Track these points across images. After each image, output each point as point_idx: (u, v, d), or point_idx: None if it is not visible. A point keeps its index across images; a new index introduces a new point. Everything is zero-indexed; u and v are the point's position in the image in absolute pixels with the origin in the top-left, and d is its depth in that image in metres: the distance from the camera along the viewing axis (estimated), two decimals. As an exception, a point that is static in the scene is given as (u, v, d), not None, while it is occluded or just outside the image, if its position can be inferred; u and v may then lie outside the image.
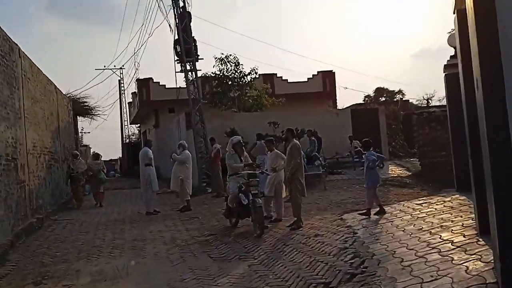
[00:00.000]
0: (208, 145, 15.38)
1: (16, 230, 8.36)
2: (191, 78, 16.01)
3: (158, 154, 22.48)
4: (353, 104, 28.24)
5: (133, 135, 45.78)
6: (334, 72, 27.74)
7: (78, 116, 25.87)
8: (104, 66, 37.76)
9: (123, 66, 39.97)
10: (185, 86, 16.20)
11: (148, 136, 31.70)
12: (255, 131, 15.21)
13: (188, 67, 16.02)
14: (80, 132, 60.17)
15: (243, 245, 7.16)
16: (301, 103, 23.85)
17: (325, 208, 10.19)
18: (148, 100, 25.96)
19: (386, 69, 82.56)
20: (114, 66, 38.25)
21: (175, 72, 16.14)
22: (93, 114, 26.06)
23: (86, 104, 24.22)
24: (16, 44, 9.63)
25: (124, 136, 41.71)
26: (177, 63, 16.15)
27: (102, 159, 14.59)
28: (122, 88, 40.38)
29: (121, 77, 40.36)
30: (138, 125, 38.85)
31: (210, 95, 19.87)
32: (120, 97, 40.60)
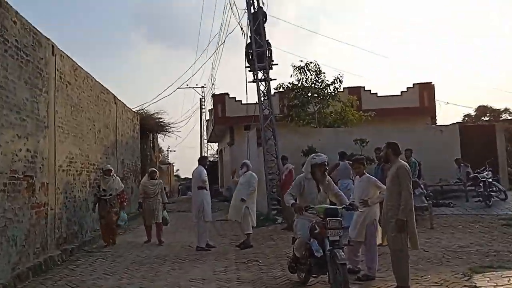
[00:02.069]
0: (280, 165, 12.86)
1: (19, 270, 6.47)
2: (262, 88, 13.72)
3: (229, 175, 20.56)
4: (454, 123, 24.10)
5: (211, 155, 45.04)
6: (433, 85, 23.90)
7: (152, 133, 25.10)
8: (187, 85, 37.46)
9: (204, 84, 39.62)
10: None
11: (224, 155, 30.19)
12: (338, 150, 12.46)
13: (260, 76, 13.80)
14: (167, 150, 61.54)
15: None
16: (393, 119, 20.47)
17: (439, 259, 7.11)
18: (223, 117, 24.24)
19: (492, 84, 74.38)
20: (196, 84, 37.93)
21: (246, 82, 14.00)
22: (167, 131, 25.14)
23: (160, 120, 23.26)
24: (48, 39, 8.03)
25: (203, 155, 40.99)
26: (249, 71, 14.00)
27: (158, 177, 10.28)
28: (203, 106, 40.08)
29: (203, 95, 40.02)
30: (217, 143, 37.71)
31: (286, 108, 17.42)
32: (200, 115, 40.20)
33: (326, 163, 5.82)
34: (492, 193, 12.40)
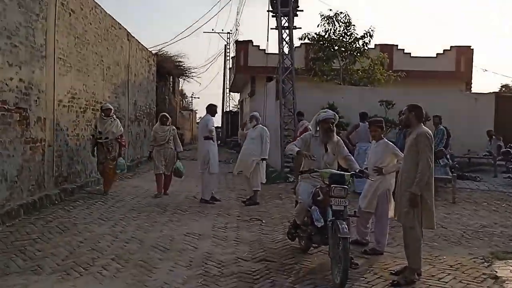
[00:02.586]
0: (296, 121, 12.14)
1: (9, 206, 6.13)
2: (285, 36, 12.74)
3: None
4: (490, 92, 22.54)
5: (235, 105, 44.26)
6: (472, 49, 22.25)
7: (172, 76, 24.45)
8: (212, 30, 36.26)
9: (230, 30, 38.20)
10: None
11: (244, 106, 29.45)
12: (361, 109, 11.62)
13: (284, 23, 12.78)
14: (191, 96, 61.04)
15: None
16: (426, 82, 19.21)
17: (458, 239, 6.45)
18: (245, 65, 23.30)
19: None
20: (222, 30, 36.61)
21: (268, 28, 13.02)
22: (187, 76, 24.48)
23: (180, 63, 22.55)
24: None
25: (225, 104, 40.31)
26: (272, 16, 12.98)
27: (170, 123, 9.18)
28: (228, 54, 38.89)
29: (228, 42, 38.77)
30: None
31: (310, 61, 16.36)
32: (224, 63, 39.12)
33: (333, 119, 5.10)
34: (523, 171, 11.49)
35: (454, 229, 6.96)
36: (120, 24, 11.61)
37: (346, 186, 4.51)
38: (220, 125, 38.29)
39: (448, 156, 11.26)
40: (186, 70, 23.17)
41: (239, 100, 36.20)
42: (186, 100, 73.70)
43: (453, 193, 9.26)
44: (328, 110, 5.29)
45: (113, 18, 11.03)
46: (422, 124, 4.78)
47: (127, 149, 12.54)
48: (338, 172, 4.75)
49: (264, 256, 5.28)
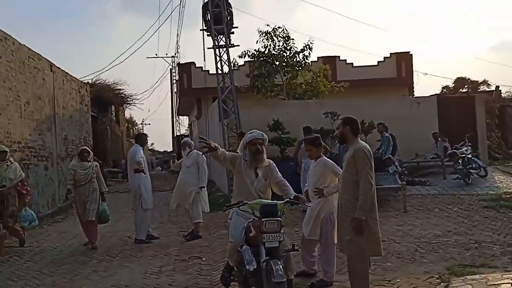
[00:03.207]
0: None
1: None
2: (220, 56, 12.24)
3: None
4: (432, 95, 23.05)
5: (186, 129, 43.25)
6: (411, 54, 22.71)
7: (114, 105, 23.40)
8: (156, 55, 35.41)
9: (175, 54, 37.49)
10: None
11: (193, 129, 28.66)
12: (307, 123, 11.22)
13: (219, 41, 12.29)
14: (141, 123, 59.31)
15: None
16: (369, 90, 19.24)
17: (412, 254, 6.02)
18: (189, 88, 22.58)
19: (463, 61, 74.00)
20: (166, 54, 35.81)
21: (204, 48, 12.49)
22: (129, 103, 23.49)
23: (119, 91, 21.58)
24: None
25: (174, 129, 39.30)
26: (207, 35, 12.47)
27: (92, 158, 7.73)
28: (174, 78, 38.05)
29: (173, 65, 37.98)
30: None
31: (251, 78, 15.93)
32: (171, 87, 38.22)
33: (261, 140, 4.52)
34: (471, 170, 11.42)
35: (408, 244, 6.53)
36: (40, 55, 10.66)
37: (279, 218, 3.90)
38: (171, 150, 37.05)
39: (396, 163, 11.03)
40: (127, 97, 22.18)
41: (188, 123, 35.40)
42: (136, 127, 71.84)
43: (404, 202, 8.93)
44: (255, 130, 4.68)
45: (30, 49, 10.08)
46: (359, 138, 4.30)
47: (33, 197, 11.49)
48: (269, 202, 4.13)
49: (197, 306, 4.57)
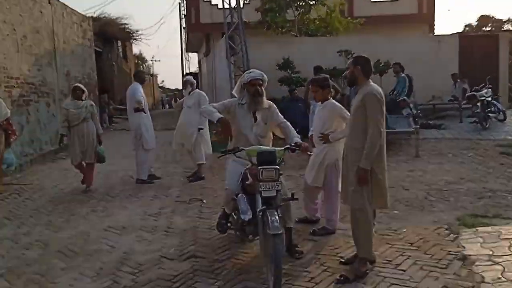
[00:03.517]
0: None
1: None
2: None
3: (208, 90, 18.70)
4: (454, 33, 21.75)
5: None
6: (434, -12, 21.24)
7: (121, 41, 22.70)
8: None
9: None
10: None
11: (202, 67, 27.88)
12: (320, 62, 10.68)
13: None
14: (151, 60, 58.31)
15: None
16: (387, 28, 18.21)
17: (420, 202, 5.73)
18: (197, 23, 21.67)
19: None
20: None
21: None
22: (135, 39, 22.75)
23: (125, 26, 20.80)
24: None
25: (184, 66, 38.49)
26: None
27: (87, 96, 7.13)
28: (183, 12, 36.60)
29: (182, -1, 36.35)
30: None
31: (261, 13, 15.04)
32: (180, 22, 36.92)
33: (260, 81, 4.09)
34: (490, 114, 10.87)
35: (417, 191, 6.23)
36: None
37: (277, 167, 3.57)
38: (181, 88, 36.47)
39: (411, 106, 10.52)
40: (133, 32, 21.40)
41: (198, 60, 34.51)
42: (146, 64, 70.84)
43: (416, 146, 8.54)
44: (254, 70, 4.25)
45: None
46: (371, 80, 3.84)
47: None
48: (267, 148, 3.78)
49: (193, 252, 4.38)
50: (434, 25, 21.66)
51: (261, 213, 3.46)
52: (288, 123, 4.20)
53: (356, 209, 3.64)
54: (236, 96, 4.22)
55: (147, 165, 7.51)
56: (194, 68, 40.56)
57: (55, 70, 11.00)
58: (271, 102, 4.25)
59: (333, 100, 4.77)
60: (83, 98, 6.96)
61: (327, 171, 4.59)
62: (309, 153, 3.86)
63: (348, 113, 4.47)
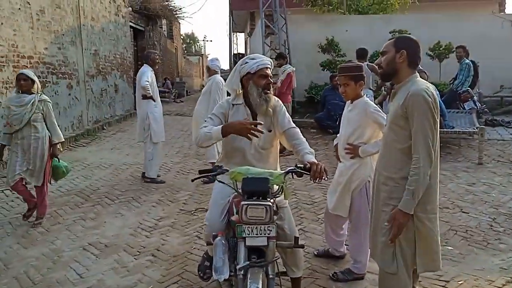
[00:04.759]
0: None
1: None
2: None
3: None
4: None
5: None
6: (508, -39, 18.60)
7: (165, 19, 21.99)
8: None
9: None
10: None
11: (247, 47, 26.70)
12: (369, 44, 9.30)
13: None
14: (203, 40, 57.63)
15: None
16: (450, 5, 16.16)
17: (483, 233, 4.42)
18: (242, 0, 20.47)
19: None
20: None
21: None
22: (178, 16, 21.92)
23: (168, 3, 19.98)
24: None
25: (232, 46, 37.42)
26: None
27: (39, 88, 4.78)
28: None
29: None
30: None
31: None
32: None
33: (269, 67, 2.94)
34: None
35: (479, 215, 4.87)
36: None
37: (269, 202, 2.44)
38: (228, 69, 35.57)
39: (475, 98, 8.90)
40: (176, 10, 20.54)
41: (244, 41, 33.31)
42: (198, 44, 70.44)
43: (479, 151, 7.02)
44: (258, 54, 3.06)
45: None
46: (418, 73, 2.60)
47: (87, 110, 10.68)
48: (258, 172, 2.62)
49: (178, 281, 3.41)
50: (505, 2, 19.09)
51: (242, 272, 2.37)
52: (298, 129, 3.01)
53: (387, 271, 2.46)
54: (230, 92, 3.08)
55: (156, 161, 6.60)
56: (241, 49, 39.53)
57: (80, 49, 10.31)
58: (277, 98, 3.08)
59: (367, 99, 3.51)
60: (31, 90, 4.71)
61: (355, 197, 3.41)
62: (325, 178, 2.68)
63: (382, 117, 3.25)
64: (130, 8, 15.32)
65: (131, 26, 15.39)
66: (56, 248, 4.29)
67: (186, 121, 12.22)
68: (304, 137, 2.99)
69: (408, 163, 2.36)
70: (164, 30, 23.76)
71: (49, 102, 4.85)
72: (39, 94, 4.76)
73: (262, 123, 2.82)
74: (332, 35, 11.44)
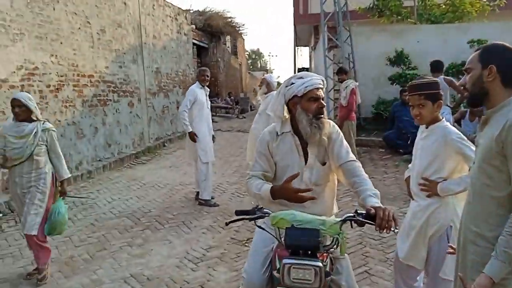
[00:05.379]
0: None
1: None
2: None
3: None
4: None
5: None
6: None
7: (229, 35, 22.18)
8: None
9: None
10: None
11: (311, 62, 26.18)
12: (443, 56, 8.47)
13: None
14: (268, 55, 58.10)
15: None
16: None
17: None
18: (305, 14, 20.06)
19: None
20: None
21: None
22: (241, 33, 22.01)
23: (230, 20, 20.10)
24: None
25: (296, 61, 37.15)
26: None
27: (37, 114, 3.85)
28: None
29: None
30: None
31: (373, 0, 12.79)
32: (294, 12, 35.59)
33: (321, 90, 2.43)
34: None
35: None
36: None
37: (319, 263, 1.92)
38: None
39: None
40: (239, 26, 20.62)
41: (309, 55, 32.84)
42: (263, 59, 71.14)
43: None
44: (307, 72, 2.54)
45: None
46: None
47: (148, 127, 10.73)
48: (306, 218, 2.09)
49: None
50: None
51: None
52: (359, 164, 2.43)
53: None
54: (274, 119, 2.59)
55: (208, 182, 6.26)
56: (306, 63, 39.15)
57: (141, 67, 10.41)
58: (333, 123, 2.54)
59: (447, 123, 2.86)
60: (34, 117, 3.85)
61: (432, 245, 2.75)
62: (395, 230, 2.05)
63: (472, 147, 2.58)
64: (194, 26, 15.49)
65: (194, 43, 15.55)
66: (97, 279, 4.03)
67: (247, 138, 11.92)
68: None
69: (502, 216, 1.74)
70: (228, 47, 23.99)
71: (53, 130, 3.96)
72: (42, 122, 3.90)
73: (313, 188, 2.32)
74: (402, 46, 10.66)
